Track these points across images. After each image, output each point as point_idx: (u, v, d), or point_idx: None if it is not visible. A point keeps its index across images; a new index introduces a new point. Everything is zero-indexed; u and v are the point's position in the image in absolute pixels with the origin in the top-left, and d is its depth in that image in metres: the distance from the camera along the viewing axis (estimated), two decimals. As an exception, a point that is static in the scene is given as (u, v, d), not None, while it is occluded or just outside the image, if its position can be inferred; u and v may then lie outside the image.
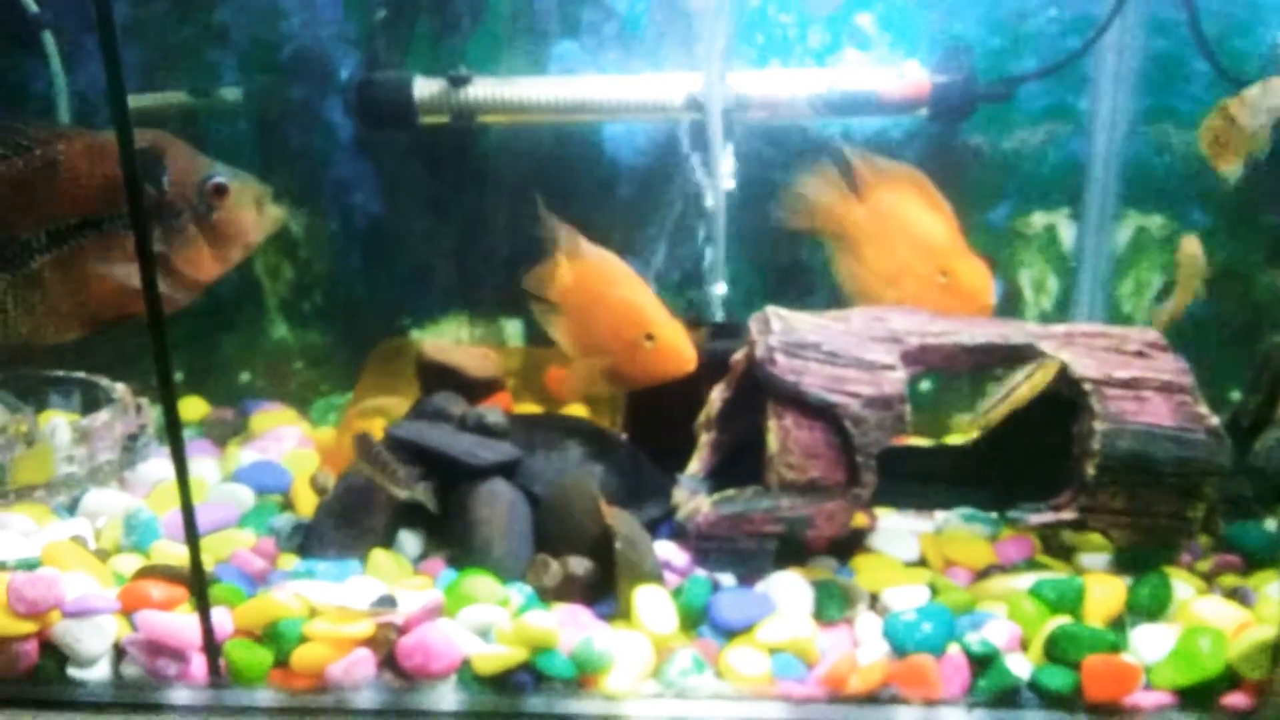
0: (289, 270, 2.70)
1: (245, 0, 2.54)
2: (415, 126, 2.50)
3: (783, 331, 1.93)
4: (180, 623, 1.73)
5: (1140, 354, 1.92)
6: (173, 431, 1.63)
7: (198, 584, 1.69)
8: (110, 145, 2.04)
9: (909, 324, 1.98)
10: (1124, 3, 2.34)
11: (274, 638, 1.73)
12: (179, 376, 2.68)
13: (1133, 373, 1.88)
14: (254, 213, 2.20)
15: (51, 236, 2.08)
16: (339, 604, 1.74)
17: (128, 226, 2.09)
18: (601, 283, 2.18)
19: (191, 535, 1.63)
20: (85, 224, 2.09)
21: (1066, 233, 2.60)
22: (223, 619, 1.75)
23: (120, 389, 2.29)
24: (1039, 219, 2.60)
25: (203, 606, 1.66)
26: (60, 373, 2.37)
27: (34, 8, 2.44)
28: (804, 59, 2.55)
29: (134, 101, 2.45)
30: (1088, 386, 1.86)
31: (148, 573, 1.83)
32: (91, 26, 1.52)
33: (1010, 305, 2.63)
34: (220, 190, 2.14)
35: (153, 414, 2.30)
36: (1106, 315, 2.58)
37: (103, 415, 2.19)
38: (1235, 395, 2.51)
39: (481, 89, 2.47)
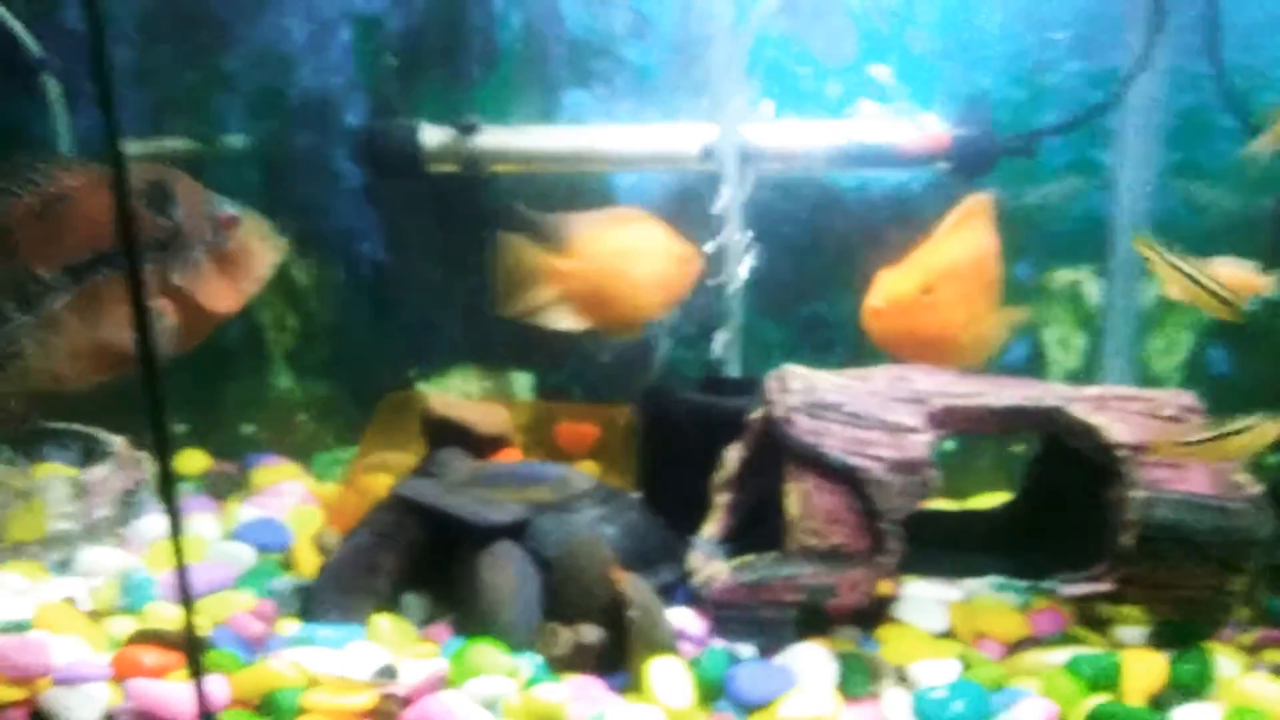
0: (294, 320, 2.65)
1: (253, 47, 2.51)
2: (423, 175, 2.45)
3: (803, 391, 1.86)
4: (173, 692, 1.65)
5: (1176, 419, 1.85)
6: (167, 489, 1.55)
7: (191, 653, 1.61)
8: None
9: (934, 384, 1.92)
10: (1149, 56, 2.31)
11: (271, 709, 1.65)
12: (181, 429, 2.63)
13: (1169, 438, 1.81)
14: (262, 244, 2.17)
15: (70, 273, 2.03)
16: (339, 673, 1.67)
17: (146, 260, 2.05)
18: (629, 238, 2.25)
19: (186, 602, 1.55)
20: (101, 259, 2.04)
21: (1092, 289, 2.54)
22: (218, 687, 1.67)
23: (119, 442, 2.22)
24: (1063, 275, 2.55)
25: (196, 676, 1.58)
26: (58, 424, 2.30)
27: (38, 52, 2.41)
28: (821, 110, 2.51)
29: (136, 147, 2.45)
30: (1122, 453, 1.79)
31: (141, 638, 1.75)
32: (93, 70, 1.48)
33: (1035, 364, 2.57)
34: (232, 221, 2.11)
35: (152, 468, 2.23)
36: (1134, 374, 2.52)
37: (100, 470, 2.13)
38: (1272, 460, 2.45)
39: (491, 138, 2.43)
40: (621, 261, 2.25)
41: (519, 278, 2.26)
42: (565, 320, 2.29)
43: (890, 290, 2.08)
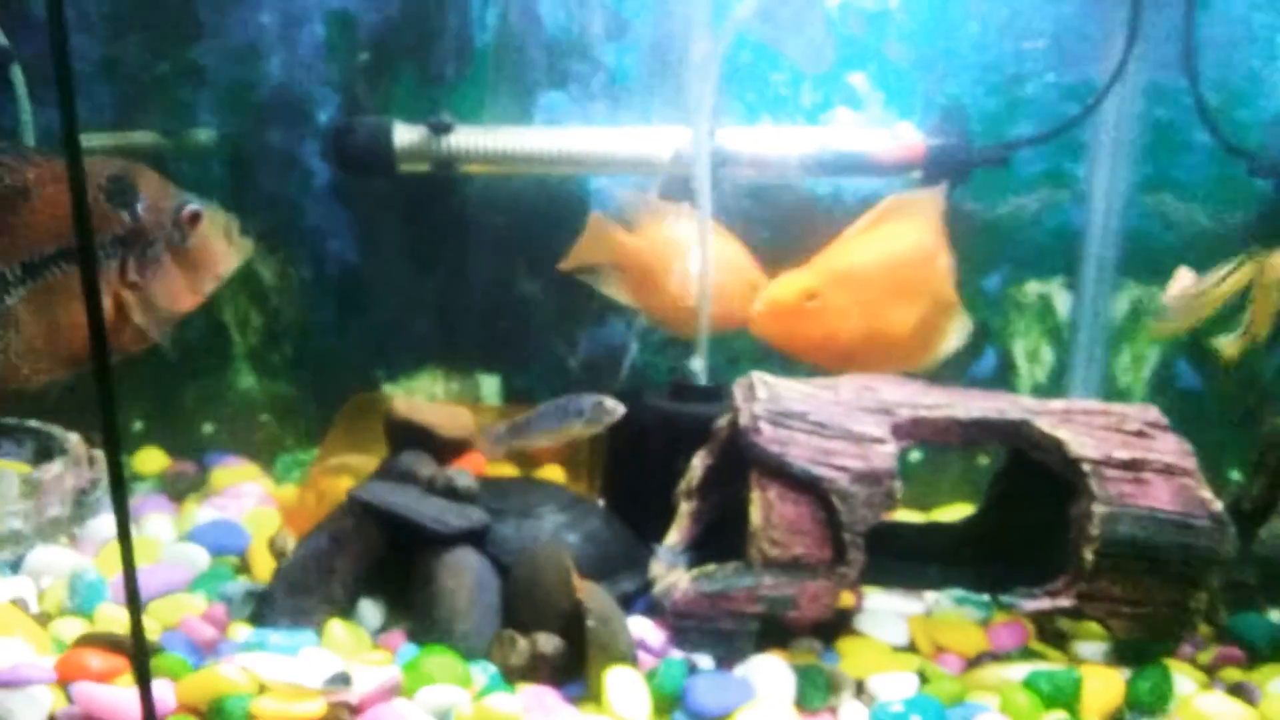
0: (258, 318, 2.61)
1: (222, 40, 2.47)
2: (394, 174, 2.43)
3: (768, 399, 1.84)
4: (119, 696, 1.62)
5: (1141, 434, 1.84)
6: (116, 487, 1.52)
7: (138, 656, 1.57)
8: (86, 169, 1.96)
9: (900, 395, 1.90)
10: (1124, 69, 2.30)
11: (218, 715, 1.61)
12: (139, 426, 2.59)
13: (1133, 454, 1.80)
14: (225, 242, 2.13)
15: (26, 269, 2.00)
16: (290, 680, 1.63)
17: (106, 255, 2.02)
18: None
19: (133, 604, 1.51)
20: (61, 255, 2.01)
21: (1061, 302, 2.53)
22: (165, 692, 1.64)
23: (74, 439, 2.18)
24: (1033, 287, 2.54)
25: (142, 681, 1.53)
26: (12, 420, 2.26)
27: (3, 41, 2.37)
28: (796, 117, 2.49)
29: (101, 140, 2.42)
30: (1086, 467, 1.78)
31: (88, 641, 1.71)
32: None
33: (1004, 375, 2.56)
34: (195, 217, 2.08)
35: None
36: (1102, 387, 2.52)
37: (54, 467, 2.09)
38: (1234, 475, 2.44)
39: (464, 138, 2.40)
40: (676, 255, 2.26)
41: (583, 238, 2.33)
42: (614, 288, 2.36)
43: (772, 294, 2.10)
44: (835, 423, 1.82)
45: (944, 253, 2.21)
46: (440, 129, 2.39)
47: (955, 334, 2.23)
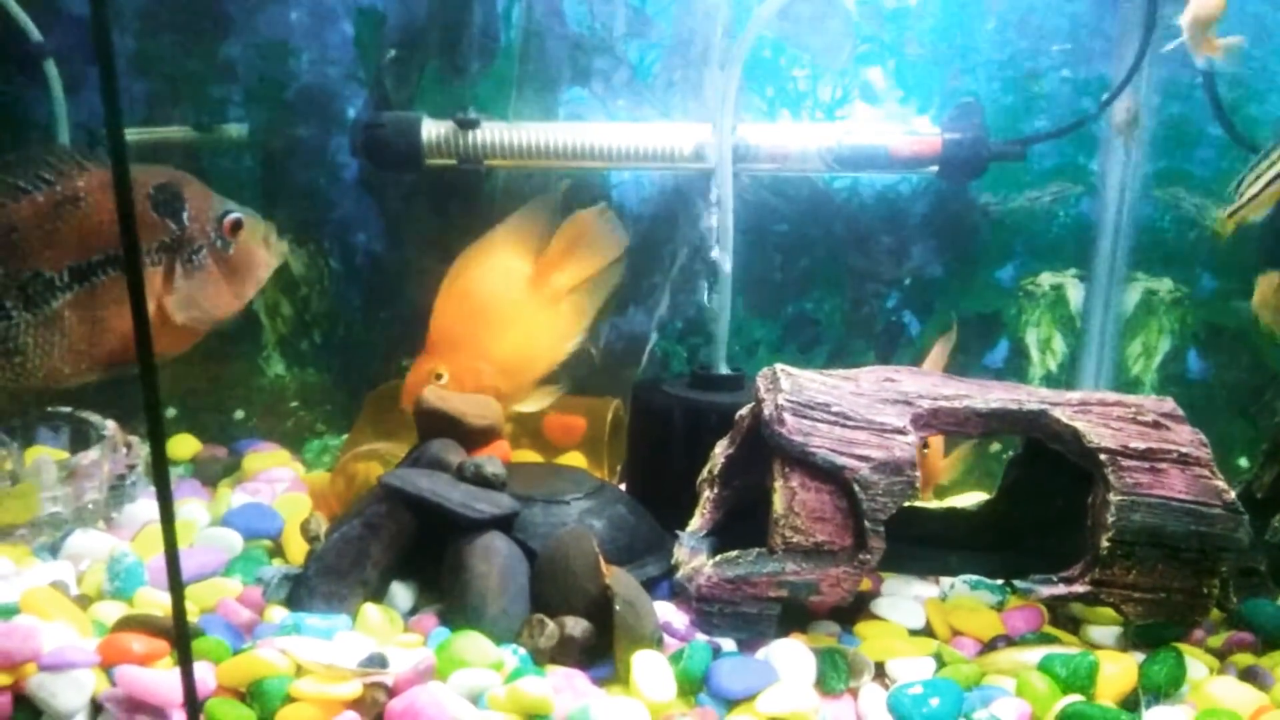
0: (288, 308, 2.66)
1: (253, 37, 2.51)
2: (421, 168, 2.47)
3: (791, 391, 1.88)
4: (161, 679, 1.66)
5: (1157, 424, 1.88)
6: (160, 480, 1.56)
7: (180, 640, 1.62)
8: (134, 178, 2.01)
9: (920, 386, 1.94)
10: (1139, 65, 2.33)
11: (258, 696, 1.66)
12: (171, 412, 2.64)
13: (1149, 444, 1.83)
14: (263, 250, 2.19)
15: (73, 273, 2.04)
16: (327, 662, 1.68)
17: (151, 261, 2.07)
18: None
19: (176, 590, 1.56)
20: (107, 260, 2.05)
21: (1074, 293, 2.57)
22: (206, 674, 1.68)
23: (110, 426, 2.23)
24: (1047, 279, 2.58)
25: (185, 664, 1.58)
26: (50, 408, 2.31)
27: (37, 36, 2.41)
28: (815, 112, 2.53)
29: (136, 135, 2.46)
30: (1103, 457, 1.82)
31: (129, 624, 1.75)
32: (93, 57, 1.49)
33: (1016, 364, 2.60)
34: (237, 226, 2.13)
35: (143, 453, 2.25)
36: (1114, 377, 2.56)
37: (91, 453, 2.13)
38: (1243, 463, 2.48)
39: (489, 133, 2.44)
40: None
41: None
42: None
43: (409, 389, 2.30)
44: (857, 413, 1.86)
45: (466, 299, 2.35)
46: (467, 124, 2.43)
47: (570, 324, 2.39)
